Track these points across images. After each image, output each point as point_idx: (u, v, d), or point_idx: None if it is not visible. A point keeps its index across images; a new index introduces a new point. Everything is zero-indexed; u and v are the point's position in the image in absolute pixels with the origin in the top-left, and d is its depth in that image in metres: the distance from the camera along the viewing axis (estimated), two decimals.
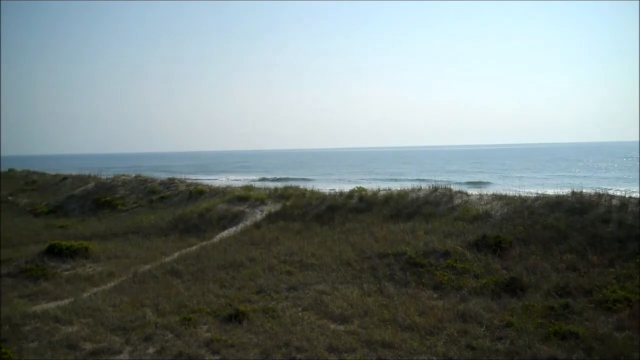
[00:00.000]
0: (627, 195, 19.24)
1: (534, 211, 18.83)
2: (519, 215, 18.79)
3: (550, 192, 21.37)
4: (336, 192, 25.89)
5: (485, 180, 67.47)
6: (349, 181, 71.05)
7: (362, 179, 75.71)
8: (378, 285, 14.43)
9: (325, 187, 29.34)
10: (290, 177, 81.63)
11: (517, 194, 21.86)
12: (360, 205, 23.31)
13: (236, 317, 12.26)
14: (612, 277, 13.89)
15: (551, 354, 9.94)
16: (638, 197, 18.97)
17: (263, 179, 78.16)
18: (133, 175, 37.43)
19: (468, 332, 11.12)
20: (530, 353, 10.01)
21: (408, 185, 26.12)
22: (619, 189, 20.71)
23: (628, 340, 10.41)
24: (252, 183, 36.37)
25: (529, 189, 23.60)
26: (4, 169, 56.42)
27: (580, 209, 18.24)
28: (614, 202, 18.31)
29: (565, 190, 20.35)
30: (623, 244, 15.78)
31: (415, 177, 71.17)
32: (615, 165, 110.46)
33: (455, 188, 24.38)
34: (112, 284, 15.99)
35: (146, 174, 39.67)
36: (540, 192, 21.54)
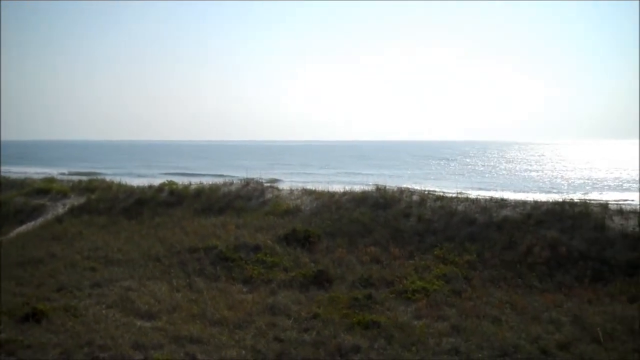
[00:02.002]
0: (426, 192, 20.51)
1: (341, 206, 19.49)
2: (327, 209, 19.36)
3: (358, 188, 22.20)
4: (145, 186, 25.14)
5: (278, 178, 67.58)
6: (138, 175, 67.60)
7: (159, 174, 72.12)
8: (187, 280, 14.18)
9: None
10: (79, 170, 73.91)
11: (326, 190, 22.50)
12: (170, 199, 22.83)
13: (34, 317, 11.44)
14: (411, 268, 14.73)
15: (355, 343, 10.28)
16: (436, 193, 20.30)
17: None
18: None
19: (276, 325, 11.23)
20: (335, 343, 10.29)
21: (204, 180, 26.24)
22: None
23: (425, 327, 11.04)
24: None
25: (319, 185, 24.42)
26: None
27: (384, 204, 19.14)
28: (415, 197, 19.41)
29: (370, 186, 21.25)
30: (422, 237, 16.80)
31: (212, 172, 70.66)
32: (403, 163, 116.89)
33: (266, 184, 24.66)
34: None
35: None
36: (348, 188, 22.31)
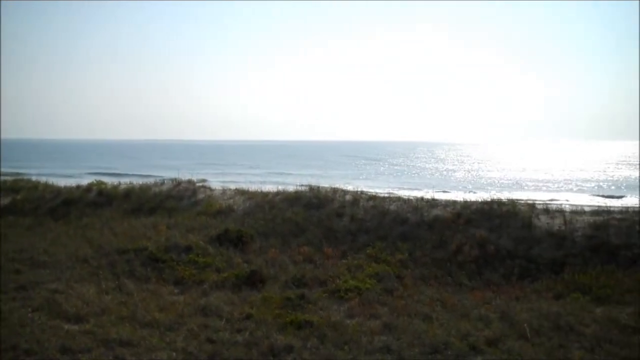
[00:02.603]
0: (359, 191, 20.71)
1: (275, 205, 19.47)
2: (261, 209, 19.31)
3: (291, 188, 22.25)
4: (73, 186, 24.55)
5: (204, 178, 65.88)
6: (63, 175, 64.97)
7: (84, 174, 70.00)
8: (117, 282, 13.85)
9: None
10: (4, 171, 70.12)
11: (259, 190, 22.46)
12: (99, 200, 22.36)
13: None
14: (344, 267, 14.81)
15: (287, 342, 10.24)
16: (368, 193, 20.51)
17: None
18: None
19: (208, 326, 11.09)
20: (268, 343, 10.23)
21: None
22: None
23: (357, 326, 11.09)
24: None
25: (249, 186, 24.46)
26: None
27: (317, 203, 19.22)
28: (348, 197, 19.55)
29: (304, 186, 21.35)
30: (355, 236, 16.94)
31: (138, 172, 69.41)
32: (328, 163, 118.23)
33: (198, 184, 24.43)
34: None
35: None
36: (281, 187, 22.37)
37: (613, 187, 63.84)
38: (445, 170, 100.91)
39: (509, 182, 72.14)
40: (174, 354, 9.88)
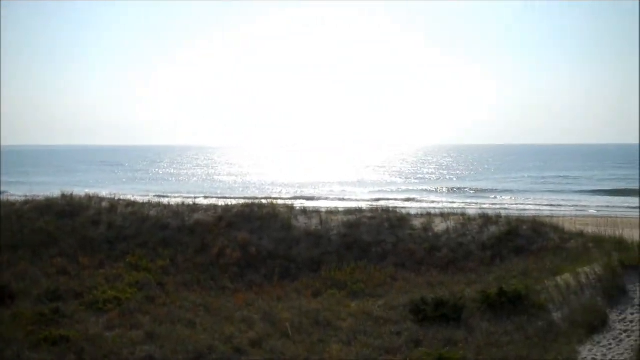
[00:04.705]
0: (117, 198, 20.02)
1: (23, 215, 18.14)
2: (6, 220, 17.88)
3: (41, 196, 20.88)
4: None
5: None
6: None
7: None
8: None
9: None
10: None
11: (5, 199, 20.83)
12: None
13: None
14: (102, 278, 14.27)
15: None
16: (127, 199, 19.92)
17: None
18: None
19: None
20: None
21: None
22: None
23: (118, 338, 10.75)
24: None
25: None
26: None
27: (71, 211, 18.25)
28: (104, 204, 18.81)
29: (56, 194, 20.16)
30: (113, 244, 16.39)
31: None
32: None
33: None
34: None
35: None
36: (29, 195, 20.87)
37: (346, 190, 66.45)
38: (183, 175, 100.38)
39: (238, 185, 74.24)
40: None
